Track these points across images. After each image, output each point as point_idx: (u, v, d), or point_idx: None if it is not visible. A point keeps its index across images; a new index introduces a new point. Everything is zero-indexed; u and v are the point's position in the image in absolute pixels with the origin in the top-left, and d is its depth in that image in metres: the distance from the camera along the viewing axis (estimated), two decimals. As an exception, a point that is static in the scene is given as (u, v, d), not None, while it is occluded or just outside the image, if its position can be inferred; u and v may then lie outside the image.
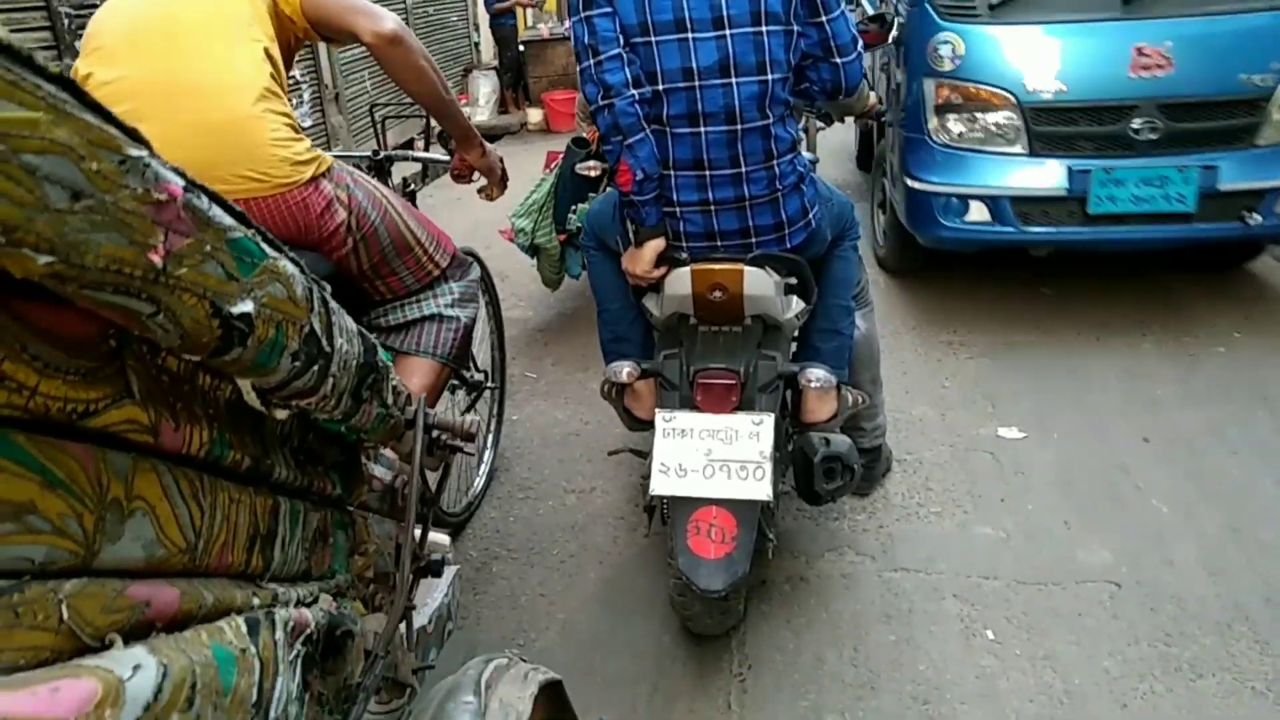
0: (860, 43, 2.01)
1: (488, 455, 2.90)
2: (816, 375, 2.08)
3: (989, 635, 2.16)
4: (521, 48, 8.99)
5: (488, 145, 2.26)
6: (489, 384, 2.80)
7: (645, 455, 2.11)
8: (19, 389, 0.50)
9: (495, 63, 9.63)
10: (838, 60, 1.94)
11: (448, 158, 2.33)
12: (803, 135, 2.93)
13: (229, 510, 0.75)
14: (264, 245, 0.68)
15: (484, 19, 9.79)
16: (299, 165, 1.73)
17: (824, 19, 1.89)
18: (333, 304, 0.82)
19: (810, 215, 2.07)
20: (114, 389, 0.59)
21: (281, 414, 0.83)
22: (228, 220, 0.63)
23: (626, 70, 1.85)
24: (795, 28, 1.89)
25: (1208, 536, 2.46)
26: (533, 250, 3.93)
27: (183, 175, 0.57)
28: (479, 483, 2.81)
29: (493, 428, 2.98)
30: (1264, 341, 3.56)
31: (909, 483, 2.79)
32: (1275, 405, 3.10)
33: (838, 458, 2.07)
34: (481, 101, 8.94)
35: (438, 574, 1.31)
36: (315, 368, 0.78)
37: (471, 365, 2.67)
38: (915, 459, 2.91)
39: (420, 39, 2.01)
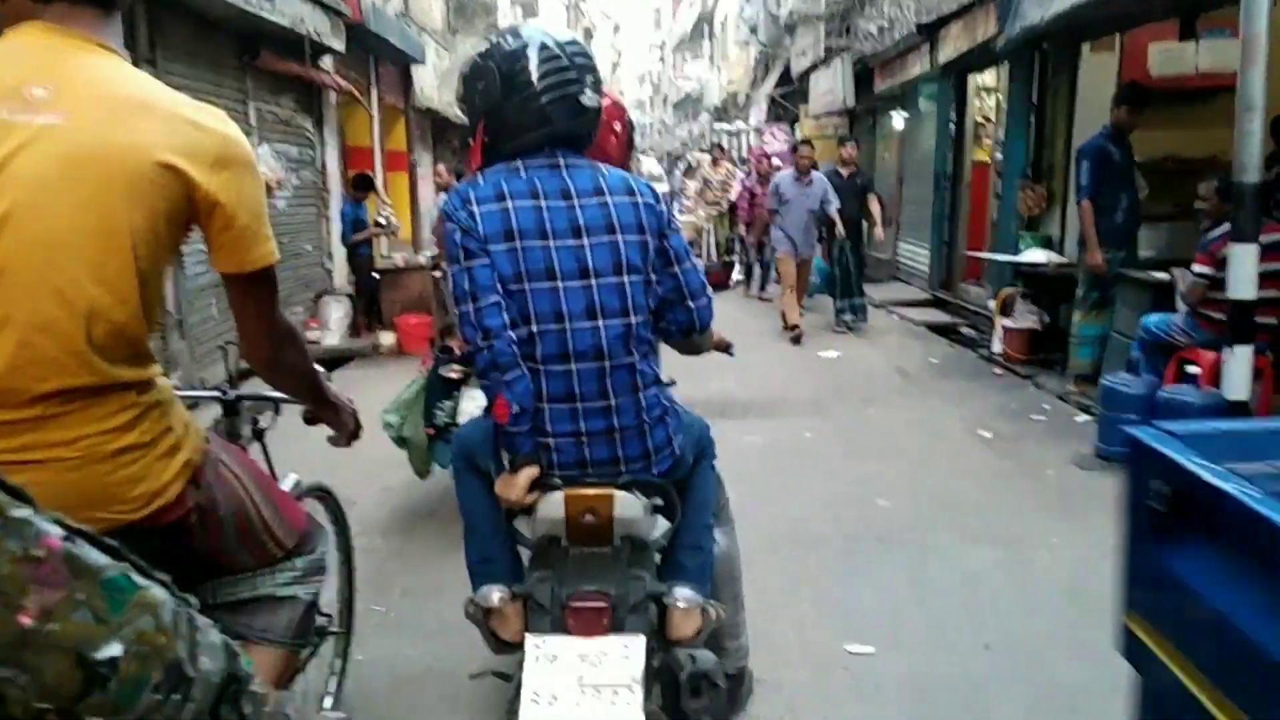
0: (708, 288, 2.23)
1: (331, 714, 2.64)
2: (683, 595, 2.10)
3: None
4: (377, 276, 9.20)
5: (341, 400, 2.04)
6: (332, 628, 2.60)
7: (509, 678, 2.10)
8: None
9: (349, 289, 9.77)
10: (690, 304, 2.16)
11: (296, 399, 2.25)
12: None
13: None
14: (135, 577, 0.66)
15: (338, 248, 10.02)
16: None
17: (676, 269, 2.13)
18: (198, 620, 0.79)
19: (674, 444, 2.18)
20: None
21: None
22: (102, 560, 0.61)
23: (504, 315, 1.98)
24: (652, 276, 2.09)
25: (1056, 743, 2.54)
26: (401, 442, 4.22)
27: (61, 524, 0.55)
28: None
29: (336, 677, 2.75)
30: (1082, 545, 3.85)
31: (769, 705, 2.76)
32: (1099, 607, 3.31)
33: (704, 675, 2.04)
34: (332, 325, 8.97)
35: None
36: (175, 695, 0.73)
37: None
38: (776, 680, 2.90)
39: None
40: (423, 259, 9.19)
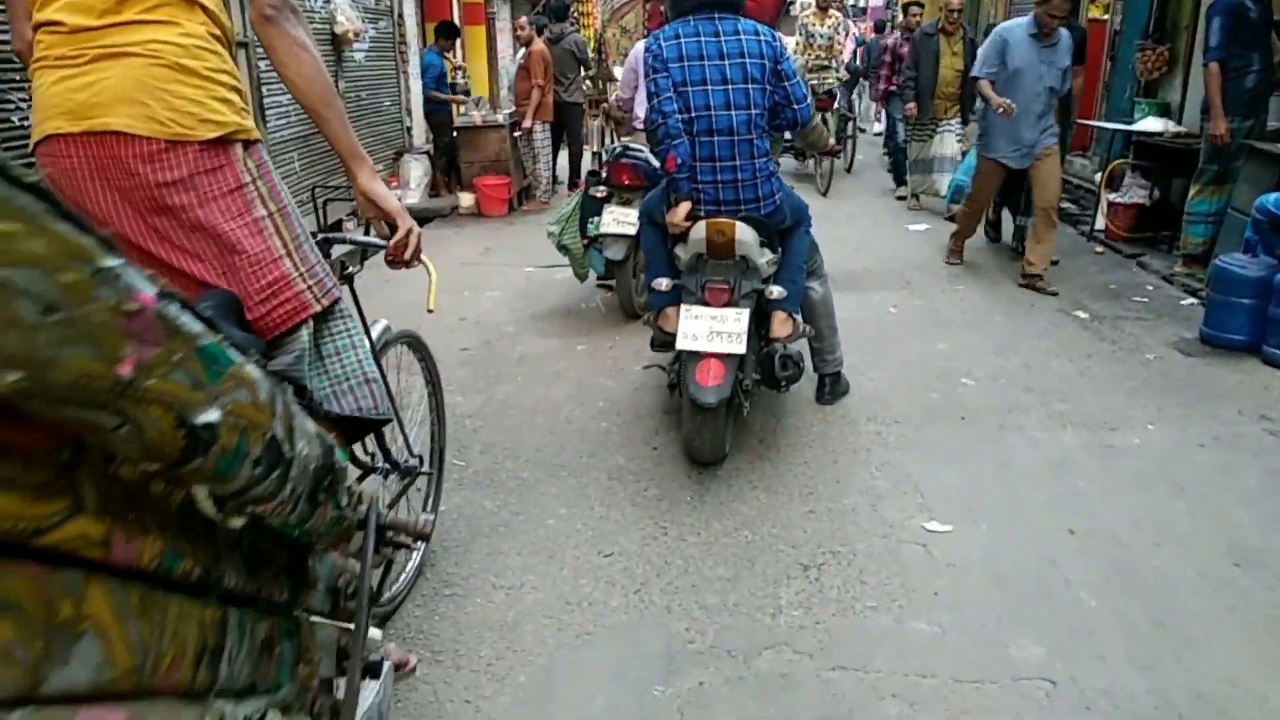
0: (809, 98, 3.54)
1: (419, 548, 2.78)
2: (777, 289, 3.40)
3: (929, 738, 2.12)
4: (455, 134, 9.06)
5: (400, 209, 2.01)
6: (424, 469, 2.69)
7: (665, 369, 3.77)
8: None
9: (428, 147, 9.67)
10: (795, 106, 3.36)
11: (384, 242, 2.27)
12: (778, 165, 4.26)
13: (178, 625, 0.70)
14: (231, 351, 0.68)
15: (417, 103, 9.87)
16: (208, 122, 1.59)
17: (785, 83, 3.33)
18: (294, 406, 0.82)
19: (775, 196, 3.41)
20: (67, 504, 0.57)
21: (237, 522, 0.81)
22: (197, 327, 0.63)
23: (675, 105, 3.26)
24: (769, 87, 3.31)
25: (1136, 631, 2.48)
26: (562, 250, 5.38)
27: (154, 283, 0.56)
28: (405, 577, 2.68)
29: (430, 516, 2.86)
30: (1177, 433, 3.69)
31: (844, 575, 2.77)
32: (1191, 498, 3.20)
33: (789, 356, 3.48)
34: (412, 184, 8.93)
35: (376, 675, 1.24)
36: (275, 474, 0.78)
37: (406, 448, 2.57)
38: (849, 551, 2.89)
39: (352, 123, 1.94)
40: (501, 118, 9.00)
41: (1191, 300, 5.44)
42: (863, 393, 4.16)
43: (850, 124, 10.87)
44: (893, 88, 9.08)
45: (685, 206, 3.32)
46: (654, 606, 2.63)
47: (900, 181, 9.34)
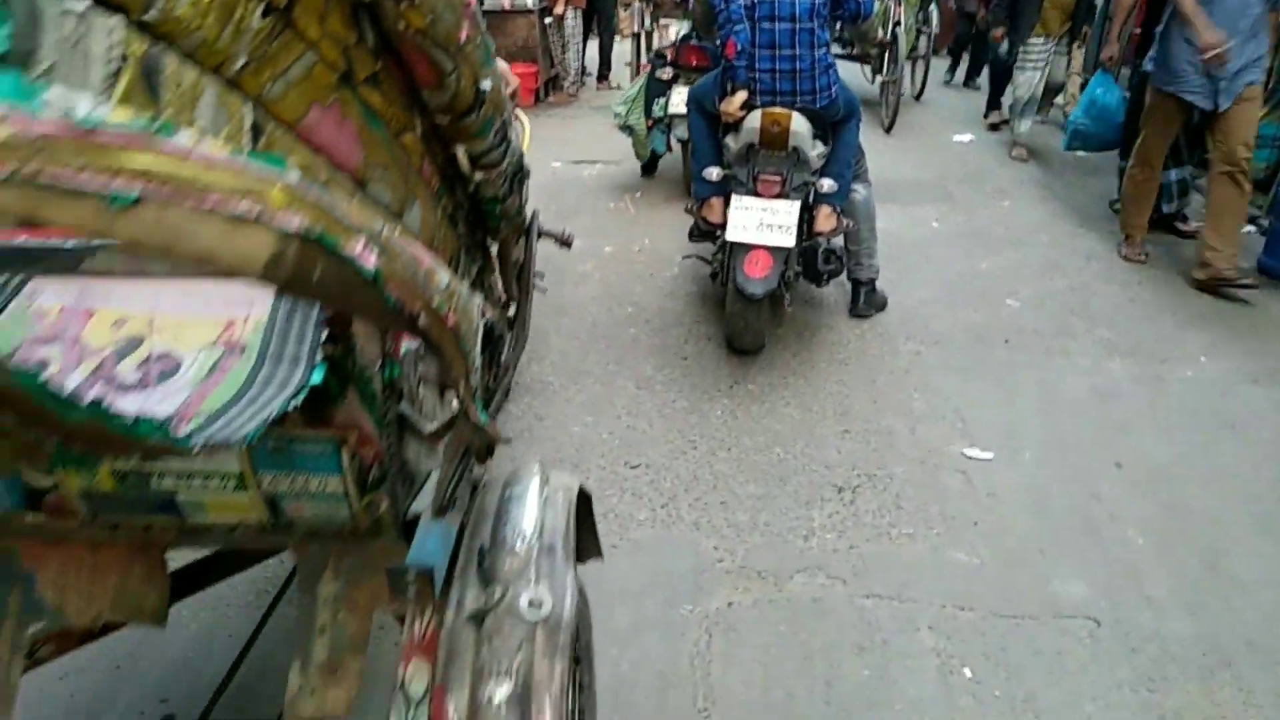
0: None
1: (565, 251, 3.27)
2: (827, 182, 3.37)
3: (967, 674, 2.04)
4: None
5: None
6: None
7: (706, 260, 3.77)
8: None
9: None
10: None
11: None
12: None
13: (443, 226, 1.10)
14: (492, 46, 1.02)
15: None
16: None
17: None
18: (508, 104, 1.13)
19: (832, 89, 3.31)
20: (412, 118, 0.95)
21: (478, 175, 1.10)
22: (483, 24, 0.97)
23: None
24: None
25: (1185, 572, 2.38)
26: (627, 130, 5.56)
27: None
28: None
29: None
30: (1230, 367, 3.52)
31: (879, 499, 2.66)
32: (1243, 434, 3.06)
33: (832, 250, 3.53)
34: (436, 70, 8.59)
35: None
36: (502, 147, 1.09)
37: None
38: (885, 474, 2.79)
39: None
40: (530, 2, 8.57)
41: (1251, 229, 5.17)
42: (902, 310, 3.99)
43: (926, 35, 8.49)
44: None
45: (742, 95, 3.28)
46: (682, 522, 2.55)
47: (994, 104, 7.65)
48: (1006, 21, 6.66)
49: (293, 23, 0.64)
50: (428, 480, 1.14)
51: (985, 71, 8.38)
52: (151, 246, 0.44)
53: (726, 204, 3.33)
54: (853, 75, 7.75)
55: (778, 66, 3.25)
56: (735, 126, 3.34)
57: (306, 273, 0.52)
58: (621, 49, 9.25)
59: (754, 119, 3.23)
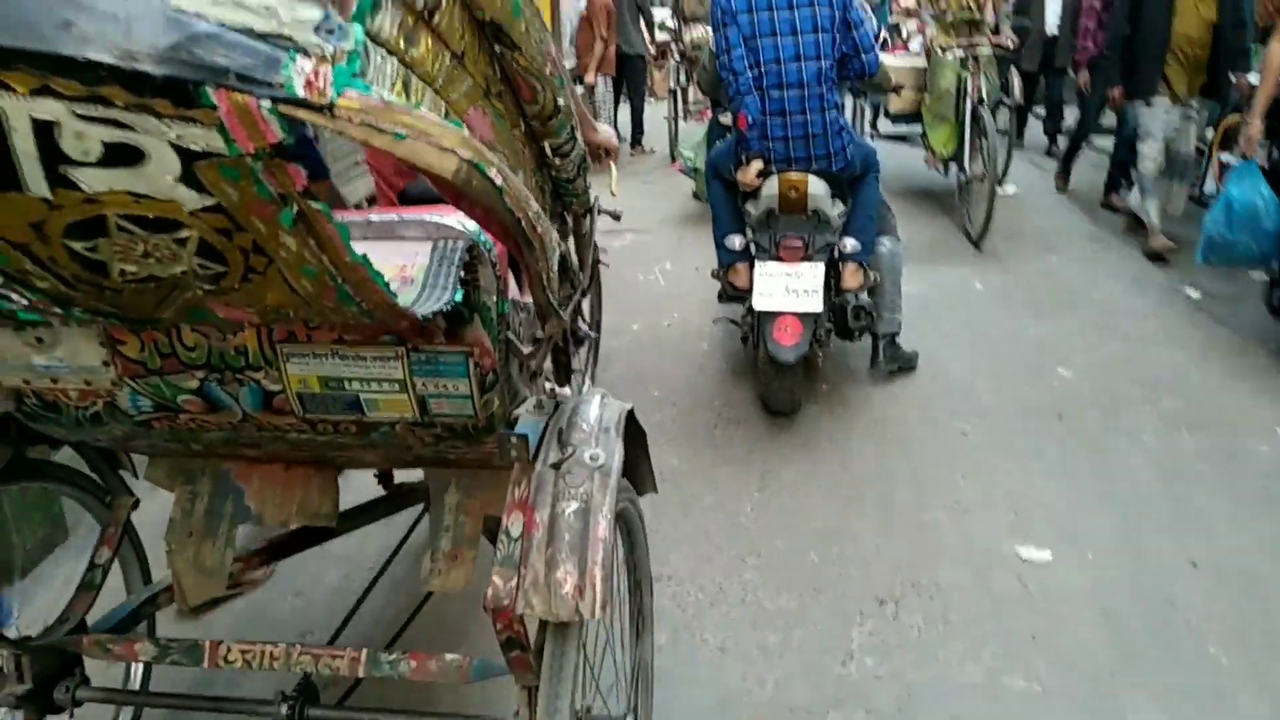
0: (877, 45, 3.48)
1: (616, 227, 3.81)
2: (849, 242, 3.40)
3: (1031, 837, 1.78)
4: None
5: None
6: (591, 334, 3.17)
7: (737, 323, 3.67)
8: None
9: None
10: (864, 56, 3.33)
11: None
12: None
13: (536, 191, 1.52)
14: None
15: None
16: None
17: (854, 32, 3.28)
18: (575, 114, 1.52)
19: (847, 150, 3.35)
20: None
21: (556, 161, 1.48)
22: (562, 65, 1.42)
23: (745, 61, 3.25)
24: (837, 36, 3.25)
25: (1278, 697, 2.09)
26: (694, 171, 5.91)
27: None
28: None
29: (589, 370, 3.30)
30: (1312, 440, 3.22)
31: (926, 612, 2.42)
32: (1335, 522, 2.75)
33: (862, 306, 3.48)
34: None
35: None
36: (573, 142, 1.50)
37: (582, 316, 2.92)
38: (932, 582, 2.54)
39: None
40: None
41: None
42: (944, 382, 3.75)
43: (1008, 108, 6.79)
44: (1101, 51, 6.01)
45: (757, 164, 3.32)
46: (706, 646, 2.32)
47: (1115, 186, 6.31)
48: (1117, 77, 5.41)
49: (463, 64, 1.13)
50: (523, 403, 1.47)
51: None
52: (414, 163, 0.83)
53: (752, 268, 3.36)
54: (912, 160, 6.90)
55: (790, 133, 3.30)
56: (754, 193, 3.37)
57: (469, 181, 0.90)
58: (654, 111, 9.22)
59: (771, 185, 3.29)
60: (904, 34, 7.60)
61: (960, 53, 5.69)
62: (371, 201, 2.36)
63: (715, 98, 4.27)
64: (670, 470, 3.16)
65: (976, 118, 5.49)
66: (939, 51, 5.82)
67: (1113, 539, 2.70)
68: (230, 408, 1.32)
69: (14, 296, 1.04)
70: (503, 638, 1.28)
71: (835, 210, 3.36)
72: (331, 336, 1.23)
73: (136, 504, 1.75)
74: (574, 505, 1.28)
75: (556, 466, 1.31)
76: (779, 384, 3.34)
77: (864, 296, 3.47)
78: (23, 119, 0.73)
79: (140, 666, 1.99)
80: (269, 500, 1.66)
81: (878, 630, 2.36)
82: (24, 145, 0.75)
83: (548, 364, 1.88)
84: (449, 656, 1.47)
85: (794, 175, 3.27)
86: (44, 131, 0.74)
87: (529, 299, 1.43)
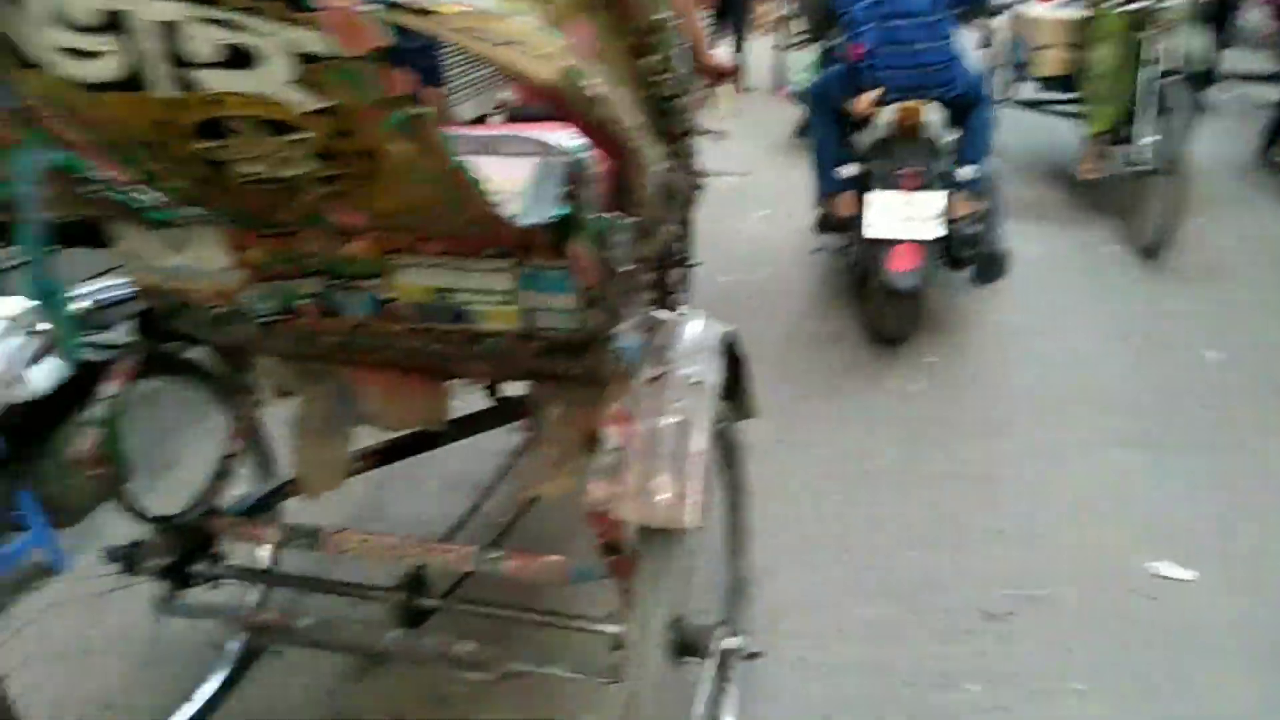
0: None
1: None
2: (968, 170, 3.40)
3: None
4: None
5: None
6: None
7: (842, 251, 3.79)
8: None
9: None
10: None
11: None
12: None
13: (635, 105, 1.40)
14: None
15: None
16: None
17: None
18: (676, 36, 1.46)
19: (961, 78, 3.38)
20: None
21: (658, 78, 1.37)
22: None
23: None
24: None
25: None
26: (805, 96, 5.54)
27: None
28: None
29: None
30: None
31: (1041, 635, 2.11)
32: None
33: (974, 234, 3.42)
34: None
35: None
36: (675, 57, 1.39)
37: None
38: (1049, 597, 2.22)
39: None
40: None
41: None
42: (1067, 364, 3.35)
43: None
44: None
45: (875, 92, 3.34)
46: (782, 660, 2.06)
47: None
48: None
49: None
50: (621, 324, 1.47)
51: None
52: (512, 70, 0.91)
53: (859, 197, 3.38)
54: (1056, 137, 5.48)
55: (906, 62, 3.33)
56: (864, 122, 3.43)
57: (567, 88, 0.98)
58: (754, 47, 8.72)
59: (888, 114, 3.30)
60: None
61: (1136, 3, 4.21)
62: (482, 120, 2.49)
63: (819, 27, 4.17)
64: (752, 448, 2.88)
65: (1159, 92, 4.15)
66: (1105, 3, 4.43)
67: (1269, 559, 2.31)
68: (345, 312, 1.41)
69: (139, 195, 1.14)
70: (601, 542, 1.34)
71: (948, 137, 3.40)
72: (439, 248, 1.28)
73: (259, 402, 1.89)
74: (672, 419, 1.32)
75: (654, 381, 1.37)
76: (892, 311, 3.38)
77: (974, 228, 3.42)
78: (147, 20, 0.80)
79: (268, 552, 2.11)
80: (383, 404, 1.78)
81: (984, 652, 2.06)
82: (149, 46, 0.82)
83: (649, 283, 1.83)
84: (549, 558, 1.56)
85: (910, 104, 3.27)
86: (166, 33, 0.81)
87: (631, 218, 1.42)
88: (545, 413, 1.72)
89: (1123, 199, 4.60)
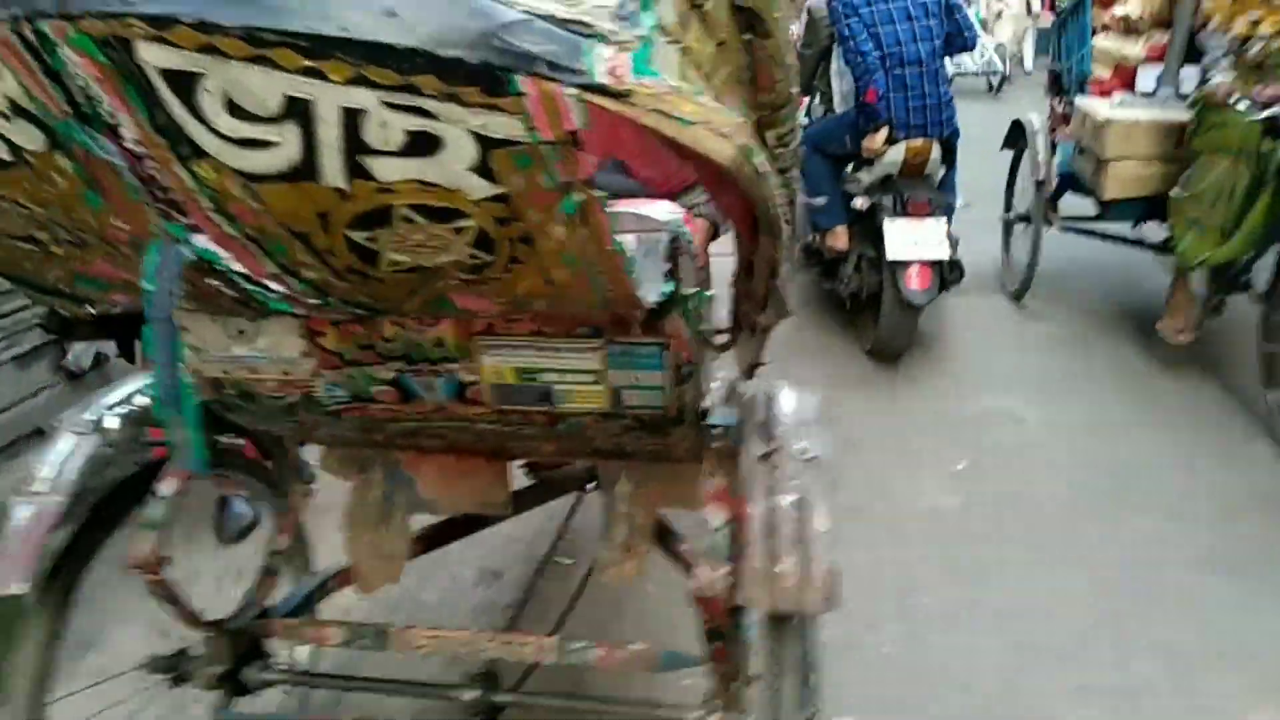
0: (975, 26, 4.18)
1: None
2: (959, 199, 4.02)
3: None
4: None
5: None
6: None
7: (838, 284, 4.25)
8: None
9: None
10: (966, 34, 3.97)
11: None
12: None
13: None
14: None
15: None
16: None
17: (957, 15, 3.92)
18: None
19: (954, 119, 3.94)
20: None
21: (779, 150, 1.33)
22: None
23: (869, 44, 3.77)
24: (944, 19, 3.87)
25: None
26: None
27: None
28: None
29: None
30: None
31: None
32: None
33: (955, 261, 3.84)
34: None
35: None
36: (793, 133, 1.37)
37: None
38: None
39: None
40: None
41: None
42: (1119, 460, 3.10)
43: None
44: None
45: (884, 132, 3.81)
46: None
47: None
48: None
49: (723, 51, 1.03)
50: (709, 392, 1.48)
51: None
52: (695, 150, 0.81)
53: (849, 231, 4.04)
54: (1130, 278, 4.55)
55: (911, 104, 3.81)
56: (870, 160, 3.92)
57: (741, 166, 0.88)
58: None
59: (897, 152, 3.82)
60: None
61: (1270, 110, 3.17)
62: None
63: (808, 80, 4.54)
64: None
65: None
66: (1227, 104, 3.40)
67: None
68: (423, 398, 1.35)
69: (274, 286, 1.06)
70: (709, 627, 1.33)
71: (941, 171, 3.95)
72: (529, 328, 1.24)
73: (311, 494, 1.83)
74: (790, 497, 1.30)
75: (765, 459, 1.34)
76: (903, 326, 3.85)
77: (956, 250, 3.80)
78: (333, 108, 0.76)
79: (306, 652, 2.02)
80: (443, 489, 1.72)
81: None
82: (328, 135, 0.78)
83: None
84: (637, 645, 1.53)
85: (919, 143, 3.80)
86: (350, 121, 0.76)
87: (751, 297, 1.40)
88: (614, 491, 1.68)
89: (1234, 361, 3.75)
